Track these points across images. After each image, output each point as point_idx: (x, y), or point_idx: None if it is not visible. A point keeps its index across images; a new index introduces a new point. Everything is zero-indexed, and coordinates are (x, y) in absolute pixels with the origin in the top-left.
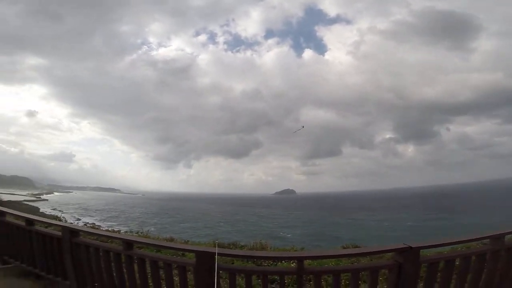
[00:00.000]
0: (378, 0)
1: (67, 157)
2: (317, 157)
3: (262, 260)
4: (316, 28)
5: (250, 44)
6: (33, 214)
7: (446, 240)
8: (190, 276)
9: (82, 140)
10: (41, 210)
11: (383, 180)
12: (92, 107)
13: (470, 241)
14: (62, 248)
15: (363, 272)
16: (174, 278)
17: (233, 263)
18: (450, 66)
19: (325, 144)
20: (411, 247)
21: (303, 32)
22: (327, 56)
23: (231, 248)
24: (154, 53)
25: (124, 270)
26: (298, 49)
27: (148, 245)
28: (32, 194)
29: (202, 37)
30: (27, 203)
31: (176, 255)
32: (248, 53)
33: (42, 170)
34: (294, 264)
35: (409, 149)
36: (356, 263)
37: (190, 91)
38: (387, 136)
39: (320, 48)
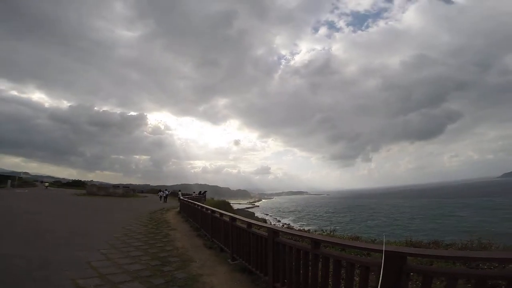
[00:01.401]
0: None
1: (265, 170)
2: None
3: (478, 262)
4: None
5: (376, 14)
6: (252, 218)
7: None
8: (371, 277)
9: (271, 155)
10: (255, 215)
11: None
12: (270, 126)
13: None
14: (267, 247)
15: None
16: (355, 278)
17: (431, 265)
18: None
19: None
20: None
21: None
22: None
23: (430, 248)
24: (292, 62)
25: (309, 268)
26: None
27: (333, 244)
28: (249, 202)
29: (323, 30)
30: (248, 209)
31: (360, 254)
32: (381, 23)
33: (252, 183)
34: None
35: None
36: None
37: (343, 83)
38: None
39: None
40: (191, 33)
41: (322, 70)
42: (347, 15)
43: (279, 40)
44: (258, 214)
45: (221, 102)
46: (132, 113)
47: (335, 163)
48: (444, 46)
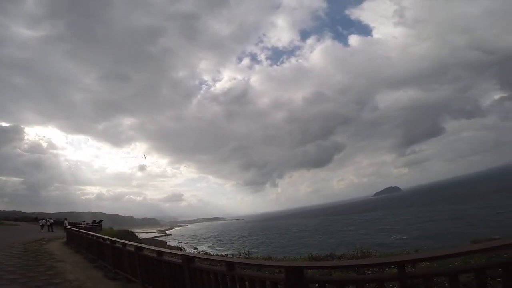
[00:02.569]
0: None
1: (177, 197)
2: (415, 142)
3: (362, 268)
4: (347, 12)
5: (291, 51)
6: (163, 247)
7: None
8: None
9: (185, 181)
10: (168, 243)
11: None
12: (183, 152)
13: None
14: (183, 274)
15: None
16: None
17: (331, 275)
18: None
19: (419, 126)
20: None
21: (337, 20)
22: (376, 35)
23: (327, 260)
24: (212, 89)
25: None
26: (341, 38)
27: (245, 265)
28: (159, 231)
29: (246, 61)
30: (157, 238)
31: (273, 272)
32: (293, 60)
33: (162, 211)
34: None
35: None
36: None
37: (256, 114)
38: (496, 96)
39: (363, 29)
40: (105, 41)
41: (239, 100)
42: (268, 49)
43: (204, 65)
44: (171, 242)
45: (127, 121)
46: (3, 124)
47: (247, 188)
48: (336, 85)
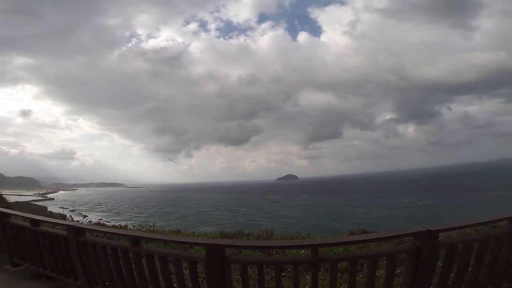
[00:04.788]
0: None
1: (68, 155)
2: (317, 140)
3: (272, 249)
4: (309, 10)
5: (243, 29)
6: (41, 214)
7: (464, 222)
8: (200, 269)
9: (81, 137)
10: (48, 210)
11: (385, 162)
12: (87, 102)
13: (487, 223)
14: (70, 248)
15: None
16: (185, 271)
17: (240, 253)
18: (453, 45)
19: (325, 127)
20: (430, 231)
21: (297, 14)
22: (323, 38)
23: (237, 238)
24: (143, 44)
25: (134, 267)
26: (293, 32)
27: (155, 240)
28: (38, 193)
29: (193, 26)
30: (35, 203)
31: (184, 248)
32: (242, 38)
33: (45, 169)
34: (306, 252)
35: (410, 129)
36: (366, 249)
37: (186, 80)
38: (388, 116)
39: (315, 30)
40: None
41: (171, 62)
42: (221, 21)
43: (143, 19)
44: (53, 208)
45: (19, 60)
46: None
47: (159, 155)
48: (272, 72)
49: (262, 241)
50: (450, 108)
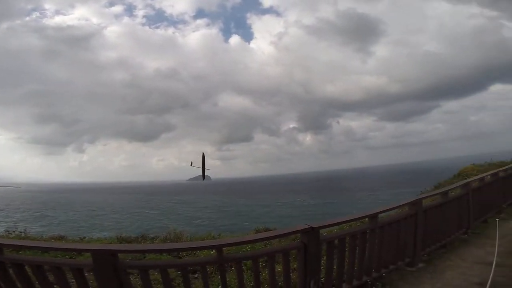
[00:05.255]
0: None
1: None
2: (231, 142)
3: (179, 252)
4: (248, 15)
5: (174, 22)
6: None
7: (341, 219)
8: (92, 277)
9: None
10: None
11: (286, 165)
12: None
13: (357, 219)
14: None
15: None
16: (71, 281)
17: (144, 257)
18: (352, 67)
19: (239, 130)
20: (312, 228)
21: (236, 17)
22: (253, 44)
23: (139, 242)
24: (46, 20)
25: None
26: (226, 33)
27: (25, 247)
28: None
29: (117, 8)
30: None
31: (71, 256)
32: (170, 30)
33: None
34: (213, 252)
35: (308, 138)
36: (269, 246)
37: (90, 65)
38: (292, 125)
39: (248, 35)
40: None
41: (77, 43)
42: (153, 8)
43: None
44: None
45: None
46: None
47: (37, 148)
48: (195, 70)
49: (163, 243)
50: (338, 122)
